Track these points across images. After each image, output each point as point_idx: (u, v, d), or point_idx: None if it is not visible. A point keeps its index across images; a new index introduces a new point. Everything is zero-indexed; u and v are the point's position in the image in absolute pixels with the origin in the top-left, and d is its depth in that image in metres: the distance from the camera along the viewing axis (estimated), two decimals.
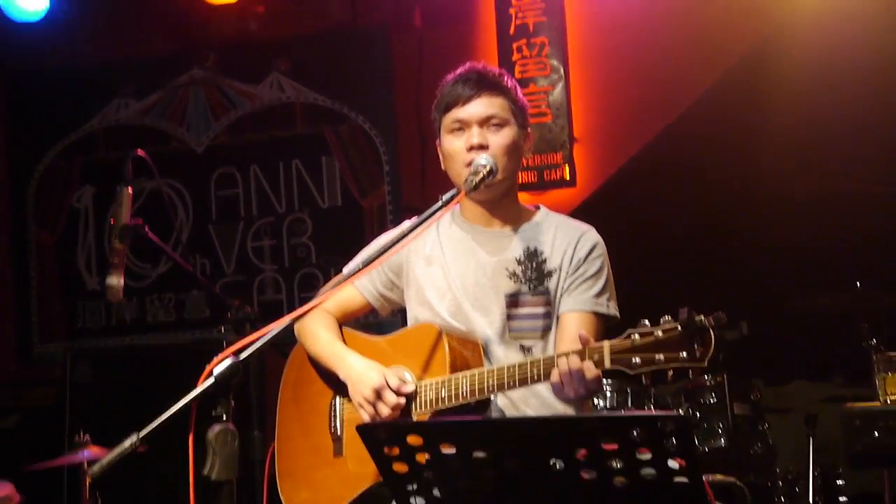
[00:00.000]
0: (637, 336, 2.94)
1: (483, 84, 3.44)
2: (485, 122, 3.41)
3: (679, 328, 2.87)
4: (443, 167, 3.54)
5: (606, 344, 3.01)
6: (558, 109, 6.82)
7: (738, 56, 6.46)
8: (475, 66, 3.51)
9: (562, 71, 6.85)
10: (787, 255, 6.20)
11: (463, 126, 3.43)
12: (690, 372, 2.88)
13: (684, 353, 2.86)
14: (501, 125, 3.42)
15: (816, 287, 5.78)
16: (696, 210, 6.34)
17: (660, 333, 2.90)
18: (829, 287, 5.65)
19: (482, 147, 3.38)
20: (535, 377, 3.13)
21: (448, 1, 7.12)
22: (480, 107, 3.42)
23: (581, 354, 3.04)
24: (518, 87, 3.53)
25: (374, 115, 7.30)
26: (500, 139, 3.41)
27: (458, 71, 3.51)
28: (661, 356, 2.90)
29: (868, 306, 5.42)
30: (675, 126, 6.59)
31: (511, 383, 3.17)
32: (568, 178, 6.78)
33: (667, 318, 2.91)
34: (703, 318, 2.85)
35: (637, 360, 2.93)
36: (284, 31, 7.45)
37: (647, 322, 2.94)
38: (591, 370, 3.03)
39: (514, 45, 6.93)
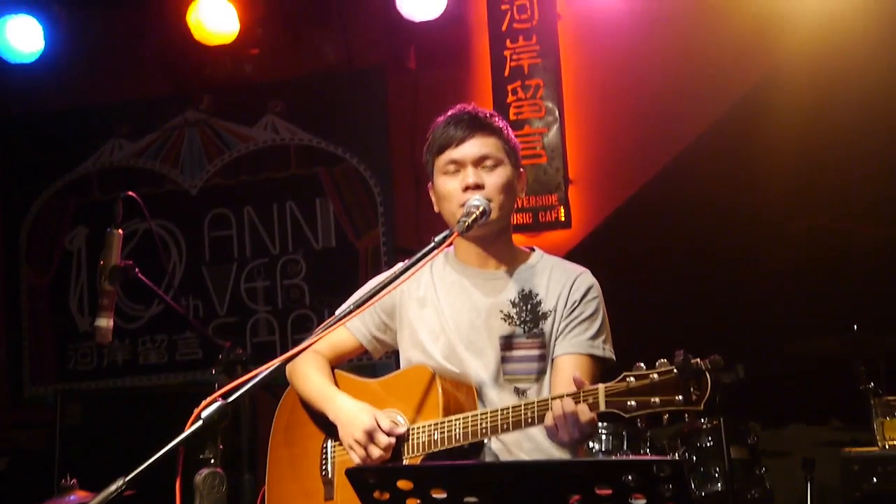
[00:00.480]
0: (633, 379, 2.92)
1: (476, 125, 3.44)
2: (479, 163, 3.41)
3: (675, 371, 2.85)
4: (436, 209, 3.53)
5: (602, 387, 2.99)
6: (553, 151, 6.81)
7: (732, 99, 6.47)
8: (466, 108, 3.51)
9: (557, 113, 6.85)
10: (784, 298, 6.18)
11: (458, 167, 3.42)
12: (686, 415, 2.86)
13: (680, 397, 2.84)
14: (496, 165, 3.41)
15: (814, 330, 5.76)
16: (691, 252, 6.33)
17: (655, 376, 2.88)
18: (826, 330, 5.63)
19: (478, 187, 3.37)
20: (530, 420, 3.10)
21: (443, 43, 7.13)
22: (475, 147, 3.41)
23: (575, 397, 3.02)
24: (509, 127, 3.53)
25: (369, 157, 7.30)
26: (494, 179, 3.40)
27: (450, 112, 3.51)
28: (656, 399, 2.88)
29: (865, 349, 5.39)
30: (670, 168, 6.59)
31: (505, 426, 3.14)
32: (563, 219, 6.77)
33: (662, 360, 2.89)
34: (699, 361, 2.83)
35: (633, 402, 2.91)
36: (279, 73, 7.46)
37: (642, 365, 2.92)
38: (585, 413, 3.01)
39: (509, 87, 6.94)
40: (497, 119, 3.50)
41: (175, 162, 7.58)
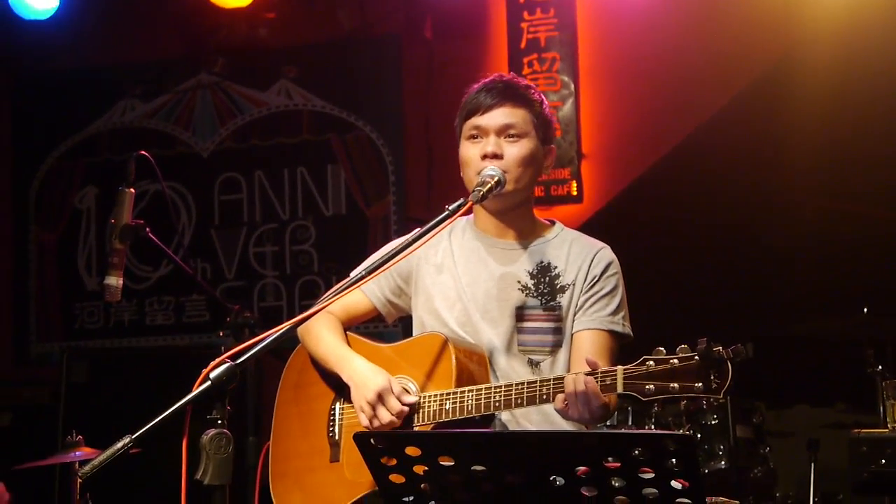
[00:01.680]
0: (652, 363, 2.89)
1: (507, 94, 3.40)
2: (502, 132, 3.37)
3: (696, 358, 2.82)
4: (461, 174, 3.50)
5: (620, 369, 2.96)
6: (567, 125, 6.79)
7: (751, 76, 6.45)
8: (503, 76, 3.48)
9: (572, 87, 6.83)
10: (795, 278, 6.17)
11: (480, 134, 3.39)
12: (704, 403, 2.84)
13: (700, 384, 2.82)
14: (519, 136, 3.38)
15: (823, 311, 5.75)
16: (703, 230, 6.31)
17: (676, 362, 2.86)
18: (835, 312, 5.62)
19: (496, 156, 3.34)
20: (545, 397, 3.08)
21: (460, 13, 7.10)
22: (500, 116, 3.37)
23: (594, 377, 3.00)
24: (545, 103, 3.49)
25: (382, 125, 7.28)
26: (515, 150, 3.36)
27: (486, 80, 3.47)
28: (675, 385, 2.85)
29: (874, 332, 5.38)
30: (683, 145, 6.58)
31: (519, 401, 3.12)
32: (575, 193, 6.76)
33: (683, 346, 2.87)
34: (721, 349, 2.80)
35: (651, 387, 2.89)
36: (294, 39, 7.43)
37: (662, 349, 2.89)
38: (597, 396, 2.99)
39: (525, 60, 6.91)
40: (533, 91, 3.45)
41: (187, 124, 7.57)
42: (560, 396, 3.03)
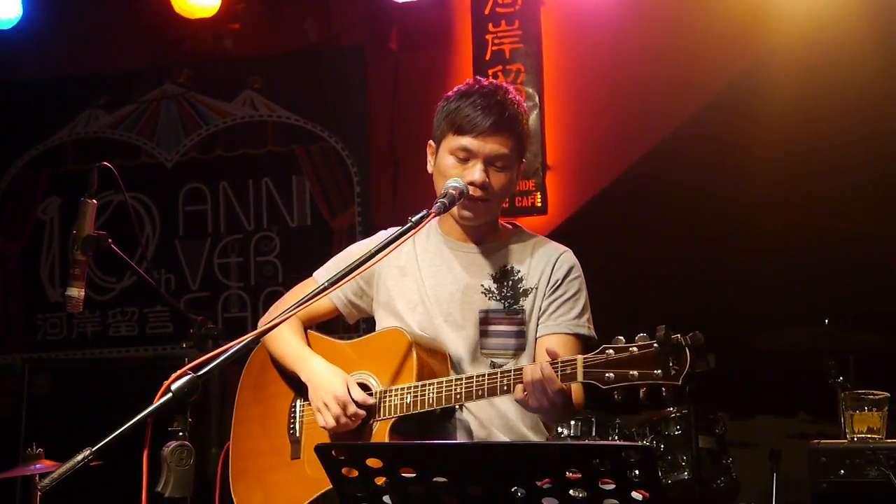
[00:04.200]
0: (612, 351, 2.93)
1: (503, 123, 3.34)
2: (491, 162, 3.36)
3: (655, 345, 2.84)
4: (429, 170, 3.48)
5: (580, 357, 2.99)
6: (532, 137, 6.78)
7: (715, 88, 6.49)
8: (497, 90, 3.39)
9: (537, 99, 6.84)
10: (757, 290, 6.21)
11: (468, 157, 3.36)
12: (663, 390, 2.86)
13: (658, 371, 2.85)
14: (505, 168, 3.38)
15: (785, 322, 5.79)
16: (666, 241, 6.34)
17: (635, 350, 2.89)
18: (797, 323, 5.66)
19: (483, 187, 3.34)
20: (505, 387, 3.11)
21: (425, 25, 7.11)
22: (493, 146, 3.34)
23: (553, 366, 3.02)
24: (527, 114, 3.48)
25: (347, 136, 7.27)
26: (500, 180, 3.37)
27: (482, 86, 3.40)
28: (635, 372, 2.88)
29: (835, 343, 5.42)
30: (648, 158, 6.61)
31: (480, 392, 3.14)
32: (539, 205, 6.78)
33: (642, 335, 2.90)
34: (679, 336, 2.84)
35: (610, 374, 2.91)
36: (260, 50, 7.42)
37: (622, 338, 2.93)
38: (554, 382, 3.00)
39: (490, 72, 6.92)
40: (522, 115, 3.41)
41: (151, 135, 7.54)
42: (519, 387, 3.06)
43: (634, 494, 2.53)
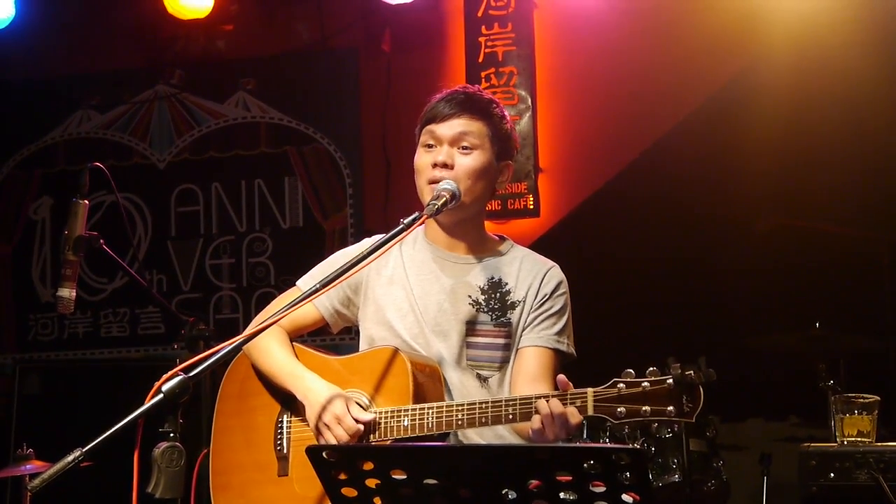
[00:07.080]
0: (623, 385, 2.89)
1: (465, 105, 3.40)
2: (456, 143, 3.38)
3: (670, 382, 2.83)
4: (415, 181, 3.49)
5: (590, 391, 2.95)
6: (524, 140, 6.81)
7: (708, 92, 6.50)
8: (466, 88, 3.49)
9: (529, 101, 6.85)
10: (747, 293, 6.22)
11: (434, 143, 3.40)
12: (676, 426, 2.85)
13: (672, 408, 2.83)
14: (472, 148, 3.38)
15: (775, 326, 5.81)
16: (658, 245, 6.35)
17: (647, 385, 2.86)
18: (787, 326, 5.68)
19: (446, 166, 3.35)
20: (511, 417, 3.06)
21: (418, 27, 7.11)
22: (455, 126, 3.38)
23: (562, 398, 2.98)
24: (507, 119, 3.49)
25: (340, 138, 7.27)
26: (467, 161, 3.37)
27: (449, 89, 3.48)
28: (647, 408, 2.86)
29: (826, 347, 5.43)
30: (640, 161, 6.62)
31: (483, 420, 3.10)
32: (532, 207, 6.78)
33: (653, 369, 2.87)
34: (692, 373, 2.80)
35: (622, 409, 2.89)
36: (252, 51, 7.42)
37: (632, 371, 2.89)
38: (574, 415, 2.97)
39: (483, 74, 6.93)
40: (495, 106, 3.46)
41: (144, 135, 7.53)
42: (536, 418, 3.00)
43: (625, 497, 2.53)
